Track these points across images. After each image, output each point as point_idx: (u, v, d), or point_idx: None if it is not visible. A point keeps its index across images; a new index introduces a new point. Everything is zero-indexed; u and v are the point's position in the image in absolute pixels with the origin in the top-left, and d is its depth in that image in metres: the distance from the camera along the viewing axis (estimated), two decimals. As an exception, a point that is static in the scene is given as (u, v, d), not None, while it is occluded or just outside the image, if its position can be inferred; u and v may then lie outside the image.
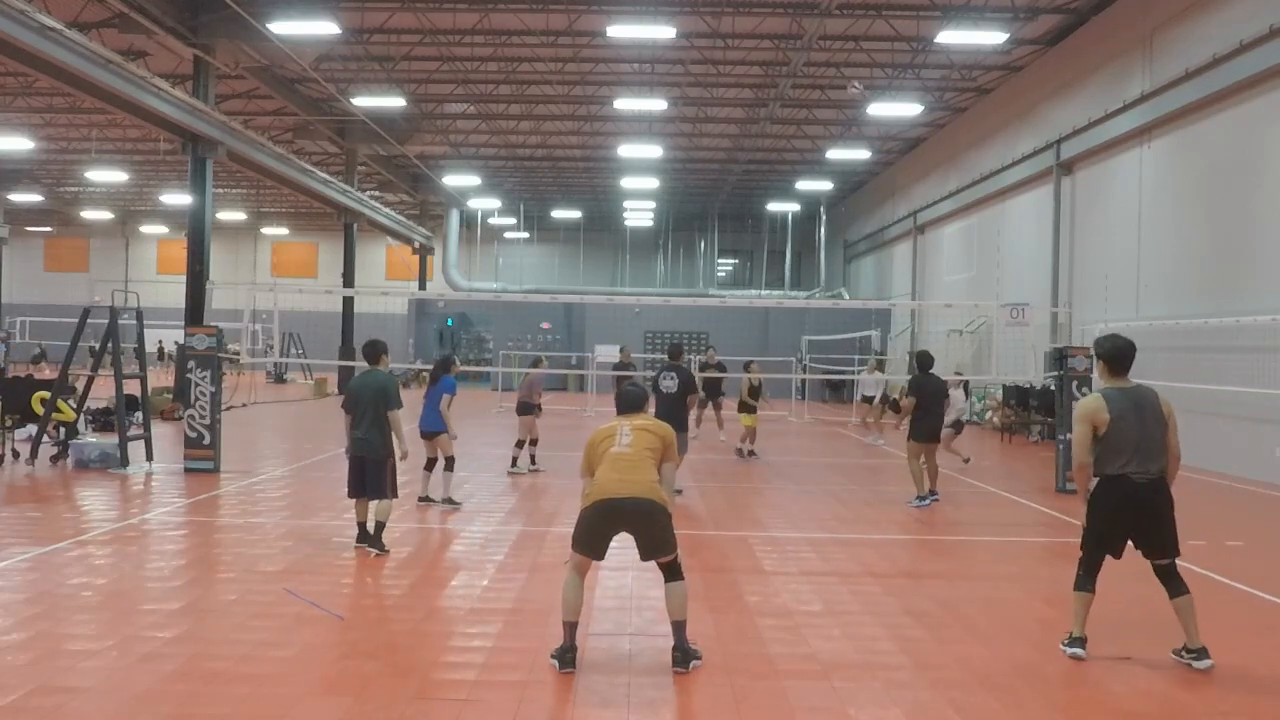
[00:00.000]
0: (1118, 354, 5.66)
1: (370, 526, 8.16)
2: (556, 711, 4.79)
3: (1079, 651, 5.62)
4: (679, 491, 10.84)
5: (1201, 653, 5.52)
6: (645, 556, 5.45)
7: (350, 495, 8.30)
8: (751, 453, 15.89)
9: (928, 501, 11.25)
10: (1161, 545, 5.56)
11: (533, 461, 13.50)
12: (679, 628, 5.42)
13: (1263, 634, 6.48)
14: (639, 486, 5.34)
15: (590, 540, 5.38)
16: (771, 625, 6.28)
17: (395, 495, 8.24)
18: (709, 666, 5.45)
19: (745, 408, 15.95)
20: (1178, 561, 5.67)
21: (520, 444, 13.49)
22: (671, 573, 5.43)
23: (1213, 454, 15.24)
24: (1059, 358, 12.82)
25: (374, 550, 8.02)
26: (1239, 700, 5.17)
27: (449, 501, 10.44)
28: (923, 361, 11.69)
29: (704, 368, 18.68)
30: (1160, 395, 5.67)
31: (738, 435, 16.30)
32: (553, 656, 5.37)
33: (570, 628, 5.37)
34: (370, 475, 8.08)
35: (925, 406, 11.26)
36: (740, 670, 5.43)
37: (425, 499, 10.57)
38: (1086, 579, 5.64)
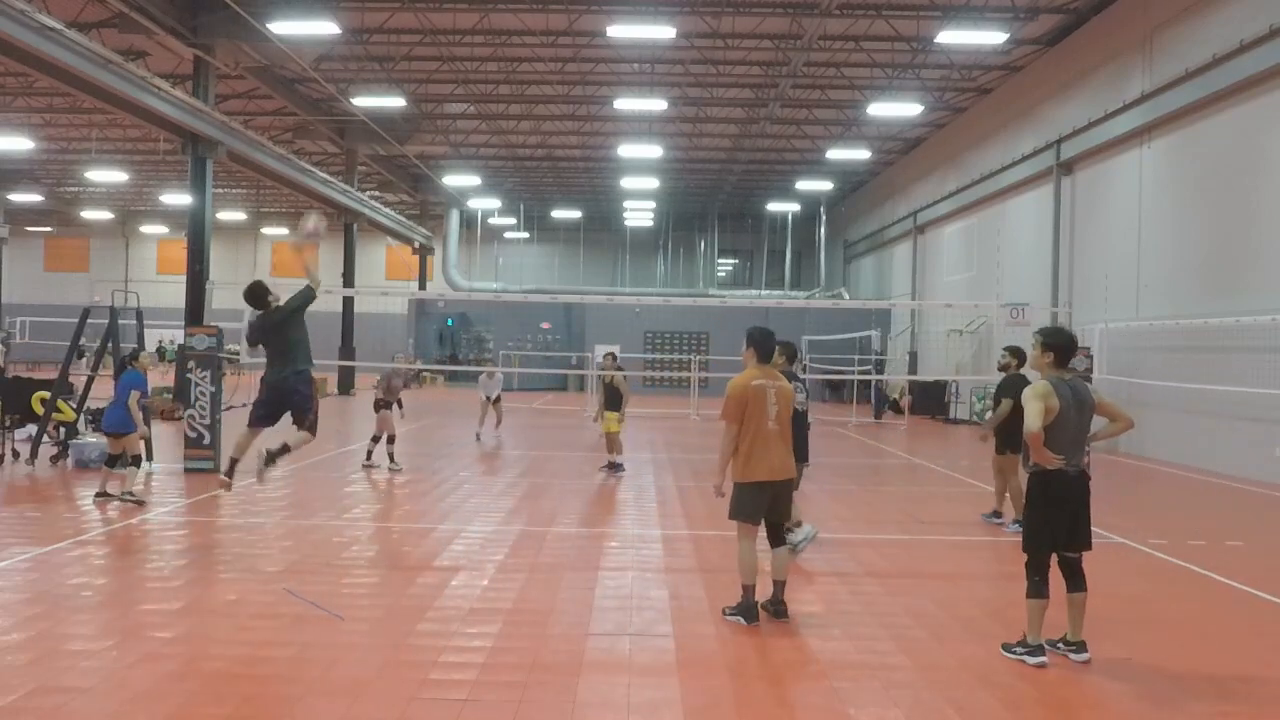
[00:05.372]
0: (1070, 345, 5.80)
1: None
2: (556, 711, 4.79)
3: (1044, 660, 5.56)
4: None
5: (1081, 646, 5.72)
6: (772, 518, 6.47)
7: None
8: (617, 465, 13.65)
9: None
10: (1083, 537, 5.70)
11: (391, 460, 13.52)
12: (779, 586, 6.39)
13: (1262, 634, 6.48)
14: (787, 467, 6.40)
15: (755, 513, 6.40)
16: (772, 625, 6.27)
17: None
18: (709, 666, 5.46)
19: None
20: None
21: (375, 439, 13.67)
22: (778, 539, 6.47)
23: (1213, 454, 15.24)
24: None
25: None
26: (1239, 701, 5.17)
27: (129, 496, 10.09)
28: None
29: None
30: (1091, 387, 5.85)
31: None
32: (741, 616, 6.27)
33: (750, 589, 6.29)
34: None
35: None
36: (740, 670, 5.43)
37: (103, 495, 10.14)
38: (1042, 584, 5.62)
